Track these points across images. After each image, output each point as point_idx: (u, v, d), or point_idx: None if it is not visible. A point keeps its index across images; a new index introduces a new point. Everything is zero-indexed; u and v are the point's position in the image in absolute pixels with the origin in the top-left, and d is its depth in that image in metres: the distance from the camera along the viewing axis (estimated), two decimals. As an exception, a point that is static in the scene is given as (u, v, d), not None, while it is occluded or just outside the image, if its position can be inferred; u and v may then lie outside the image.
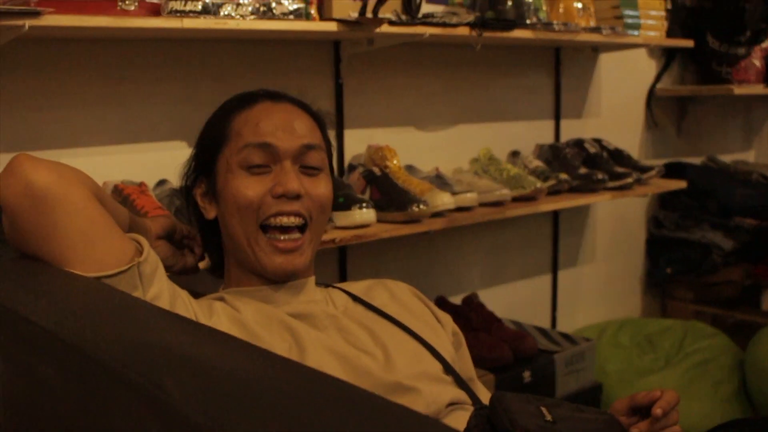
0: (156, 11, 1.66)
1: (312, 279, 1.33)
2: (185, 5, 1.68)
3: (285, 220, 1.23)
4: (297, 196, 1.23)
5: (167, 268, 1.18)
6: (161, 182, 1.85)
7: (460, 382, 1.27)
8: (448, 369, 1.27)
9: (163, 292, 1.11)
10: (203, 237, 1.37)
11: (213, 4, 1.72)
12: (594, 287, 3.14)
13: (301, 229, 1.25)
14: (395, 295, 1.40)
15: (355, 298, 1.35)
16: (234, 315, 1.20)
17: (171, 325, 0.86)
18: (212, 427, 0.60)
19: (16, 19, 1.46)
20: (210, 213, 1.31)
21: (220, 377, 0.68)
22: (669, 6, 2.96)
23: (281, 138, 1.24)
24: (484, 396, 1.31)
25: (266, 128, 1.25)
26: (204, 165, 1.31)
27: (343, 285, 1.41)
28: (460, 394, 1.25)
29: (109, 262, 1.04)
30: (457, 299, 2.48)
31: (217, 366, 0.71)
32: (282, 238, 1.23)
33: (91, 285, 1.00)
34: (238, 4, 1.76)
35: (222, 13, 1.74)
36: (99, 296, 0.97)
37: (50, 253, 1.04)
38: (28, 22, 1.46)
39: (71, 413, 0.76)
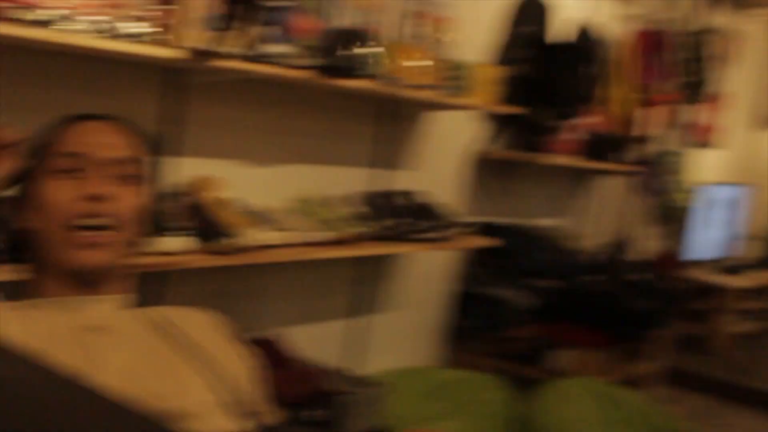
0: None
1: (121, 297, 1.34)
2: (22, 13, 1.63)
3: (92, 221, 1.26)
4: (103, 199, 1.26)
5: None
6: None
7: (249, 416, 1.30)
8: (236, 402, 1.30)
9: None
10: (17, 246, 1.36)
11: (51, 17, 1.69)
12: (395, 334, 3.24)
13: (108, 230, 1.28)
14: (199, 324, 1.42)
15: (159, 322, 1.35)
16: (27, 325, 1.20)
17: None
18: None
19: None
20: (22, 223, 1.31)
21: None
22: (505, 74, 3.15)
23: (93, 148, 1.29)
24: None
25: (79, 139, 1.29)
26: (20, 177, 1.31)
27: (151, 308, 1.41)
28: (245, 427, 1.28)
29: None
30: (261, 335, 2.51)
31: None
32: (87, 234, 1.26)
33: None
34: (80, 20, 1.73)
35: (61, 27, 1.70)
36: None
37: None
38: None
39: None
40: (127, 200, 1.30)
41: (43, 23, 1.69)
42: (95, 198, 1.25)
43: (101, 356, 1.21)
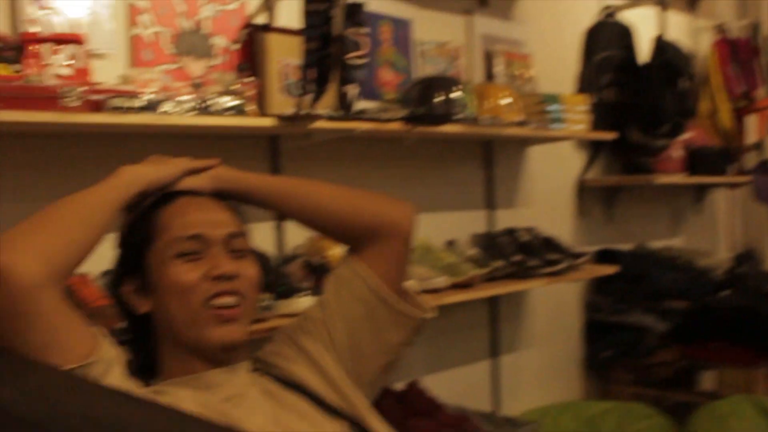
0: (97, 108, 1.72)
1: (246, 363, 1.37)
2: (127, 102, 1.75)
3: (226, 300, 1.29)
4: (232, 276, 1.30)
5: None
6: (106, 273, 1.87)
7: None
8: None
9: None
10: (133, 335, 1.40)
11: (152, 101, 1.80)
12: (534, 371, 3.18)
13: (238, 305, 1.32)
14: None
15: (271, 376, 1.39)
16: (179, 406, 1.23)
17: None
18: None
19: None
20: (143, 307, 1.34)
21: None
22: (592, 101, 3.14)
23: (209, 227, 1.32)
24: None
25: (193, 220, 1.32)
26: (131, 263, 1.35)
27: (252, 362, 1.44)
28: None
29: (68, 358, 1.15)
30: (399, 385, 2.50)
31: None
32: (223, 312, 1.29)
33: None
34: (178, 102, 1.84)
35: (162, 110, 1.81)
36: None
37: (17, 347, 1.12)
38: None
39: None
40: (249, 273, 1.34)
41: (148, 108, 1.78)
42: (225, 277, 1.29)
43: (245, 421, 1.24)
